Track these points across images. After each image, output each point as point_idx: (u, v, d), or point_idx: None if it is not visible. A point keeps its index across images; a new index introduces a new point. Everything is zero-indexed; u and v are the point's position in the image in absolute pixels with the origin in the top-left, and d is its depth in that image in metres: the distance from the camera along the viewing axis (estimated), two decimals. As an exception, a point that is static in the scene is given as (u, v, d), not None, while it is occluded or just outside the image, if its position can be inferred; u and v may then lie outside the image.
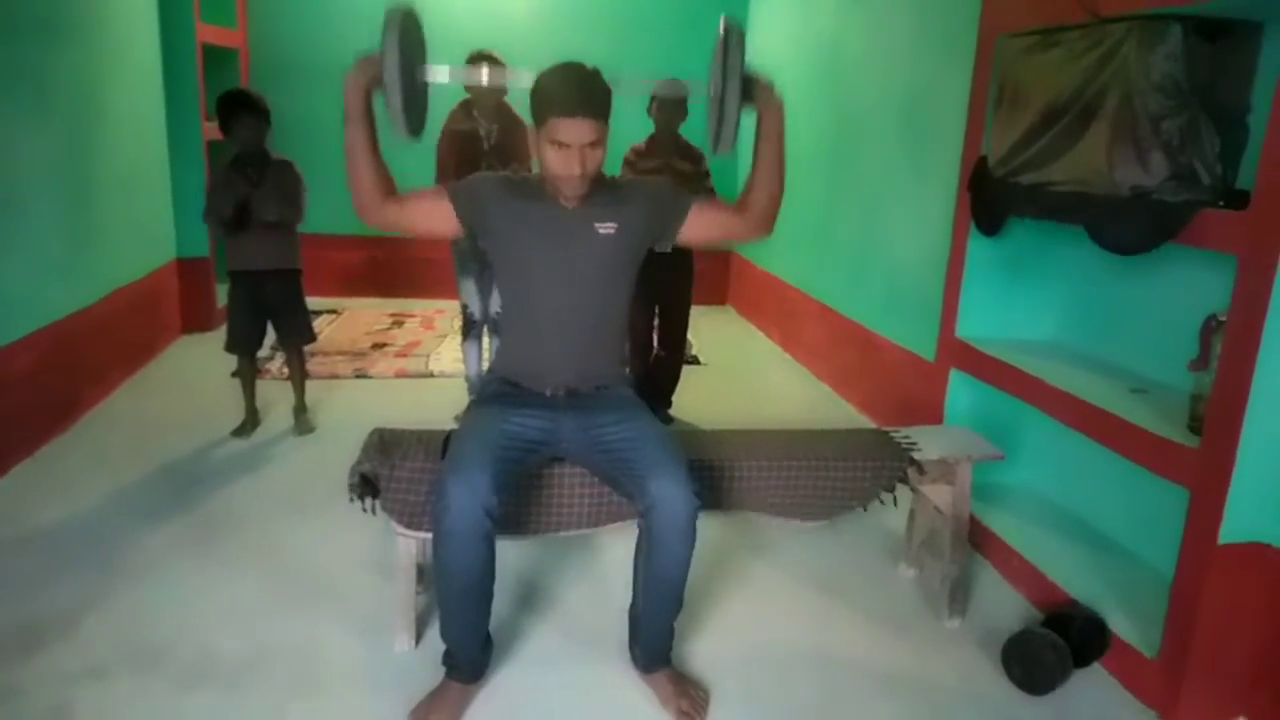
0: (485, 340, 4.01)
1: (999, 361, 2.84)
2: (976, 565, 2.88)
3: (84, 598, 2.51)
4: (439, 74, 2.09)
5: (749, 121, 2.11)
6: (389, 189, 2.09)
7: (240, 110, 3.46)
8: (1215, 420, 2.07)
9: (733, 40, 1.99)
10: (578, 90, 1.97)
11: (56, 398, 3.68)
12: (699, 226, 2.20)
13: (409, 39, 1.99)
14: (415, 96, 2.05)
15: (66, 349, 3.74)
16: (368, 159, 2.04)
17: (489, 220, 2.15)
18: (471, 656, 2.14)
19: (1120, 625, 2.38)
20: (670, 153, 3.71)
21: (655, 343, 4.03)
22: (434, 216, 2.14)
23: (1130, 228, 2.25)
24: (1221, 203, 2.18)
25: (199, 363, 4.72)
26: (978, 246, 3.03)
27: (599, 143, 2.01)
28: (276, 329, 3.78)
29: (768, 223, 2.19)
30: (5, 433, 3.29)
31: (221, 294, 4.38)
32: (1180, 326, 2.45)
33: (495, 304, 3.83)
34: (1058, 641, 2.27)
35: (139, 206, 4.67)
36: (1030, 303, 3.10)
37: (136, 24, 4.65)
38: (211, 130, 5.18)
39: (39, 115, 3.59)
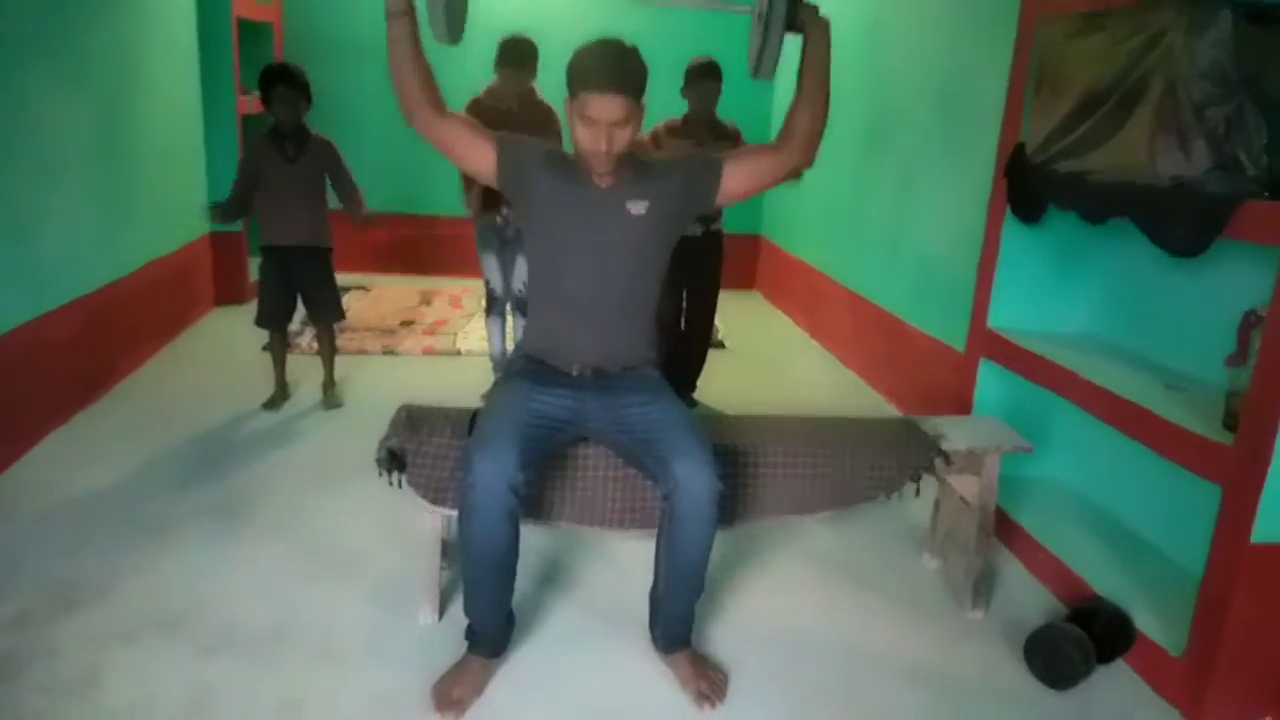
0: (509, 318, 4.01)
1: (1031, 353, 2.80)
2: (1001, 558, 2.86)
3: (115, 563, 2.55)
4: None
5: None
6: (433, 94, 2.05)
7: (281, 84, 3.47)
8: (1251, 417, 2.03)
9: None
10: (610, 67, 1.96)
11: (91, 367, 3.74)
12: (738, 178, 2.16)
13: None
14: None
15: (101, 319, 3.79)
16: (410, 54, 2.00)
17: (529, 184, 2.13)
18: (494, 632, 2.16)
19: (1146, 622, 2.36)
20: (704, 132, 3.68)
21: (682, 325, 4.02)
22: (473, 150, 2.10)
23: (1180, 225, 2.20)
24: (1267, 194, 2.13)
25: (230, 335, 4.77)
26: (1012, 235, 2.98)
27: (628, 121, 2.00)
28: (306, 306, 3.81)
29: (809, 152, 2.15)
30: (41, 400, 3.35)
31: (254, 268, 4.42)
32: (1218, 321, 2.40)
33: (518, 281, 3.83)
34: (1081, 636, 2.24)
35: (174, 179, 4.71)
36: (1064, 294, 3.05)
37: (174, -3, 4.69)
38: (248, 104, 5.24)
39: (78, 85, 3.63)
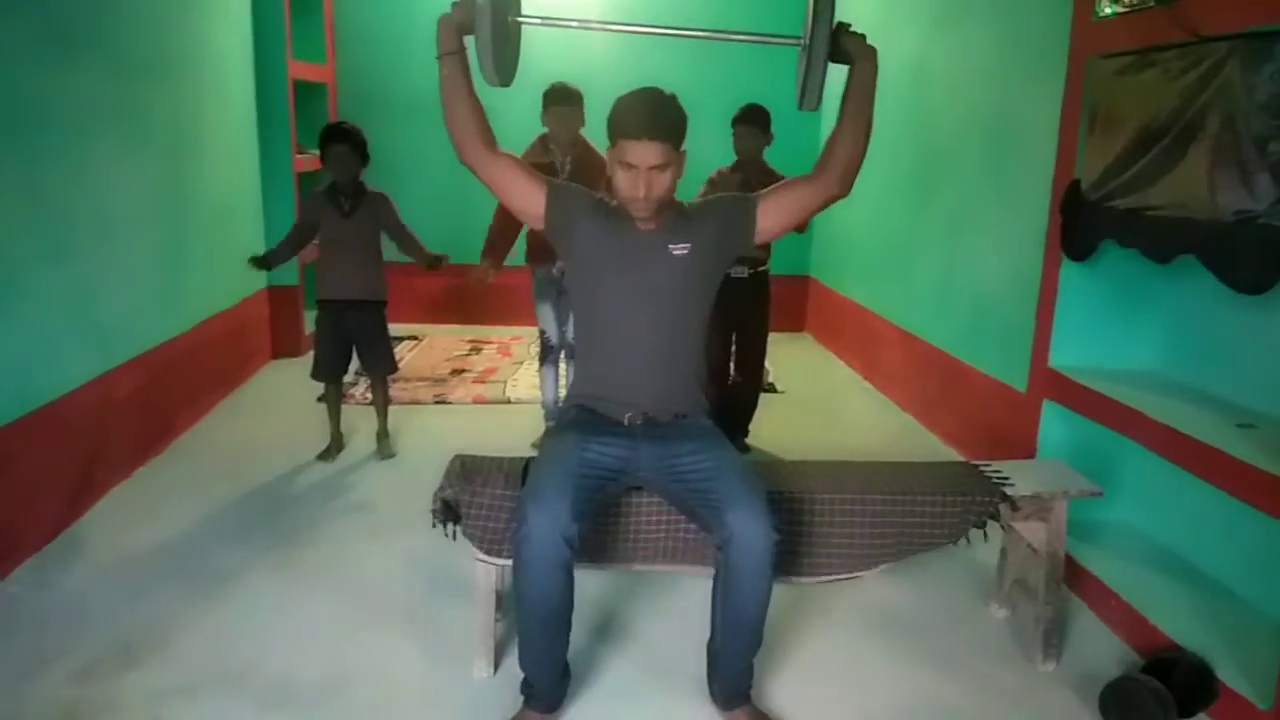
0: (562, 366, 4.03)
1: (1096, 393, 2.73)
2: (1072, 606, 2.76)
3: (176, 616, 2.58)
4: (530, 18, 2.12)
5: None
6: (485, 131, 2.09)
7: (337, 144, 3.58)
8: (1335, 457, 1.95)
9: None
10: (648, 113, 1.99)
11: (152, 422, 3.82)
12: (775, 214, 2.16)
13: None
14: (505, 40, 2.06)
15: (162, 374, 3.88)
16: (463, 93, 2.05)
17: (574, 229, 2.16)
18: (550, 686, 2.14)
19: (1229, 673, 2.25)
20: (754, 176, 3.69)
21: (732, 370, 4.00)
22: (522, 192, 2.14)
23: (1248, 260, 2.13)
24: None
25: (287, 387, 4.86)
26: (1071, 273, 2.93)
27: (666, 166, 2.01)
28: (360, 358, 3.87)
29: (847, 181, 2.13)
30: (104, 456, 3.42)
31: (309, 321, 4.51)
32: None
33: (572, 330, 3.85)
34: (1160, 689, 2.15)
35: (233, 236, 4.84)
36: (1128, 331, 2.98)
37: (232, 62, 4.86)
38: (304, 163, 5.39)
39: (141, 150, 3.77)
